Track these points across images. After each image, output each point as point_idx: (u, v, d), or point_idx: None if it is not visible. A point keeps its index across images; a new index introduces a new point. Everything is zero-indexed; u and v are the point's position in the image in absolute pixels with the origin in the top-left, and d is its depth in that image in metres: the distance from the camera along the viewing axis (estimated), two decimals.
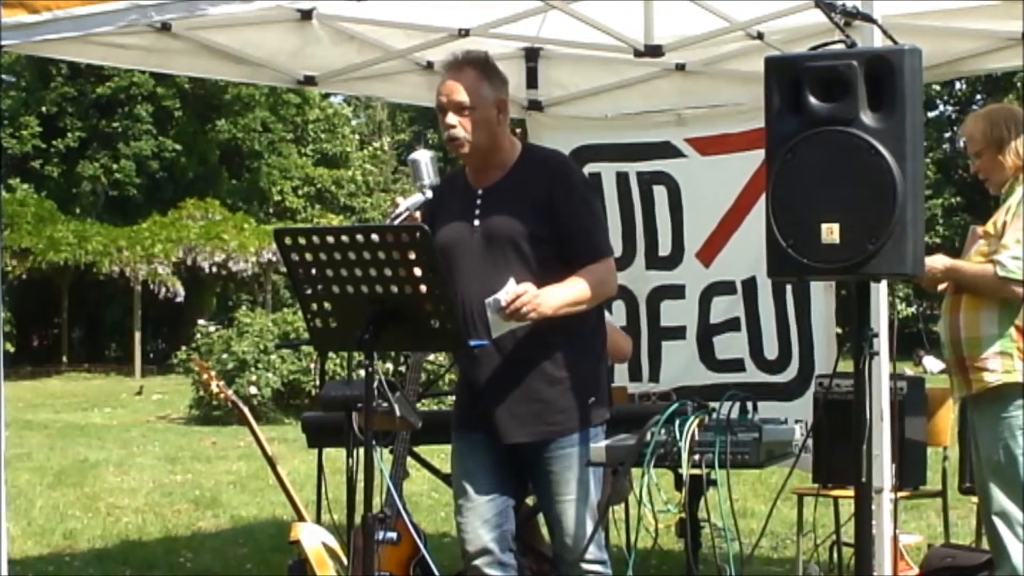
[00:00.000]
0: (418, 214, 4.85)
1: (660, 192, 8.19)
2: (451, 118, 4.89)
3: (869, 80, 4.04)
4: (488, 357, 4.86)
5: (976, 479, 5.87)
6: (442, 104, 4.93)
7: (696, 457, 4.86)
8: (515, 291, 4.61)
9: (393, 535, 5.78)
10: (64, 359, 37.65)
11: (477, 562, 5.02)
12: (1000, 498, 5.51)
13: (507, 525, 5.04)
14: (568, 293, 4.78)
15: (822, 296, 7.65)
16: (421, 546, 5.99)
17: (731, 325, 7.98)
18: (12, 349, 34.52)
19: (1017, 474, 5.47)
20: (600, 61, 8.11)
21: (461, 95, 4.88)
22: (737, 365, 7.95)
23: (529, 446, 4.92)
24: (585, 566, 4.97)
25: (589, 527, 4.94)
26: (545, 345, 4.84)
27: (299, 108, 44.14)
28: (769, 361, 7.88)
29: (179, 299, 36.46)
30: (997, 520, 5.51)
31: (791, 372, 7.79)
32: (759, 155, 7.04)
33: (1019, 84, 37.44)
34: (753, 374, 7.85)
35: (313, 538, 6.33)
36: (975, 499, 6.78)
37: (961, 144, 44.48)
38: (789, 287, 7.72)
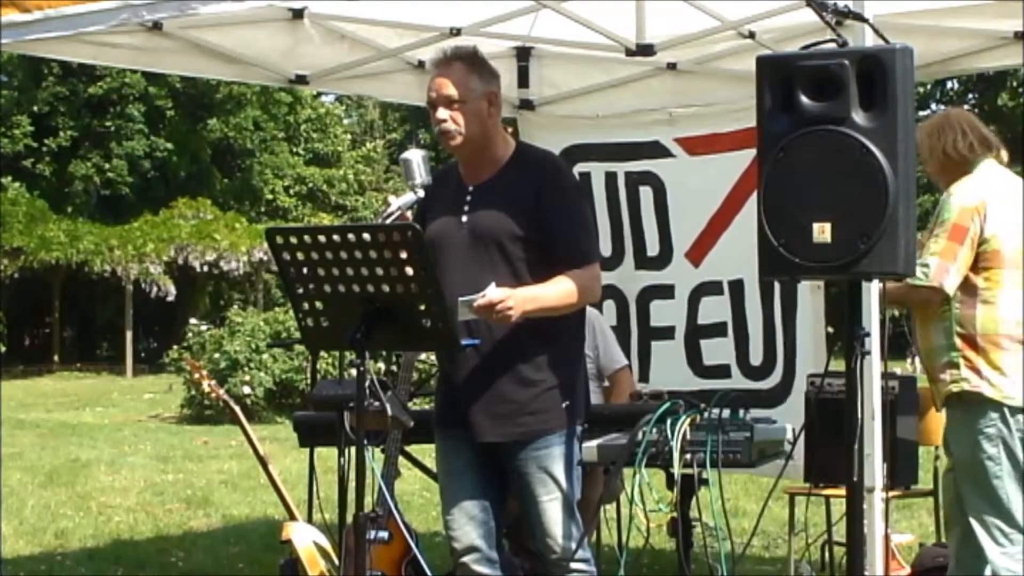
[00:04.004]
0: (410, 213, 4.85)
1: (646, 192, 8.17)
2: (442, 112, 4.90)
3: (861, 79, 4.05)
4: (466, 356, 4.86)
5: (944, 479, 5.90)
6: (432, 99, 4.94)
7: (688, 456, 4.87)
8: (490, 299, 4.62)
9: (385, 534, 5.80)
10: (56, 358, 37.63)
11: (465, 559, 5.02)
12: (974, 501, 5.53)
13: (494, 522, 5.04)
14: (547, 296, 4.78)
15: (808, 297, 7.64)
16: (413, 545, 5.99)
17: (719, 330, 7.96)
18: (3, 348, 34.54)
19: (987, 479, 5.48)
20: (591, 60, 8.11)
21: (450, 89, 4.89)
22: (723, 371, 7.92)
23: (504, 446, 4.92)
24: (569, 564, 4.97)
25: (570, 527, 4.93)
26: (523, 347, 4.83)
27: (291, 107, 44.13)
28: (754, 367, 7.85)
29: (171, 298, 36.46)
30: (974, 522, 5.52)
31: (774, 378, 7.77)
32: (748, 155, 7.07)
33: (1014, 83, 37.52)
34: (738, 380, 7.82)
35: (305, 537, 6.33)
36: None
37: None
38: (777, 290, 7.71)
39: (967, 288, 5.47)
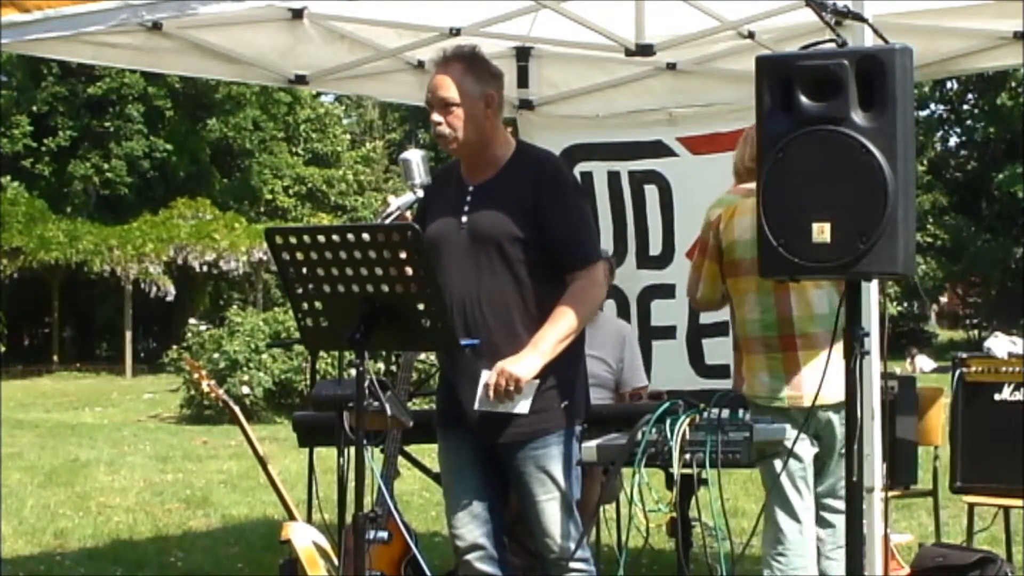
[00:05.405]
0: (409, 213, 4.85)
1: (651, 191, 8.19)
2: (437, 115, 4.89)
3: (860, 79, 4.04)
4: (466, 357, 4.86)
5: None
6: (429, 101, 4.94)
7: (687, 456, 4.87)
8: (486, 382, 4.72)
9: (384, 534, 5.79)
10: (55, 358, 37.59)
11: (468, 557, 5.03)
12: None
13: (497, 520, 5.05)
14: (552, 337, 4.79)
15: None
16: (412, 545, 5.99)
17: (720, 329, 7.95)
18: (3, 348, 34.53)
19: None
20: (591, 60, 8.10)
21: (446, 91, 4.88)
22: (724, 371, 7.91)
23: (503, 446, 4.93)
24: (567, 563, 4.97)
25: (569, 526, 4.94)
26: (522, 348, 4.82)
27: (290, 107, 44.10)
28: None
29: (170, 298, 36.42)
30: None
31: None
32: None
33: (1013, 83, 37.52)
34: None
35: (304, 537, 6.33)
36: (967, 498, 6.80)
37: (953, 144, 44.61)
38: None
39: (728, 296, 5.74)
